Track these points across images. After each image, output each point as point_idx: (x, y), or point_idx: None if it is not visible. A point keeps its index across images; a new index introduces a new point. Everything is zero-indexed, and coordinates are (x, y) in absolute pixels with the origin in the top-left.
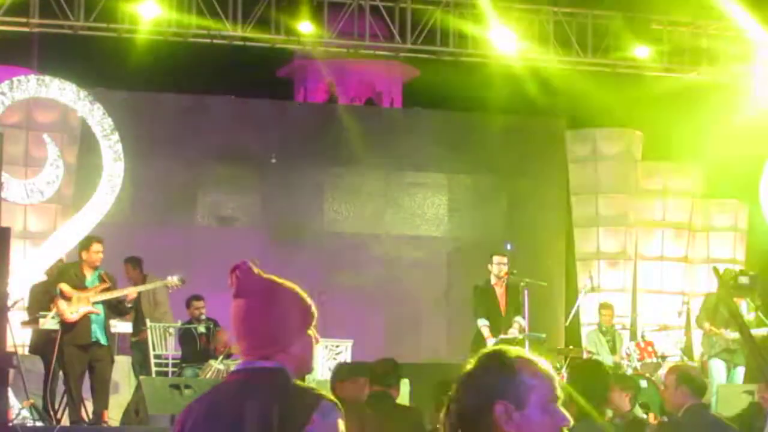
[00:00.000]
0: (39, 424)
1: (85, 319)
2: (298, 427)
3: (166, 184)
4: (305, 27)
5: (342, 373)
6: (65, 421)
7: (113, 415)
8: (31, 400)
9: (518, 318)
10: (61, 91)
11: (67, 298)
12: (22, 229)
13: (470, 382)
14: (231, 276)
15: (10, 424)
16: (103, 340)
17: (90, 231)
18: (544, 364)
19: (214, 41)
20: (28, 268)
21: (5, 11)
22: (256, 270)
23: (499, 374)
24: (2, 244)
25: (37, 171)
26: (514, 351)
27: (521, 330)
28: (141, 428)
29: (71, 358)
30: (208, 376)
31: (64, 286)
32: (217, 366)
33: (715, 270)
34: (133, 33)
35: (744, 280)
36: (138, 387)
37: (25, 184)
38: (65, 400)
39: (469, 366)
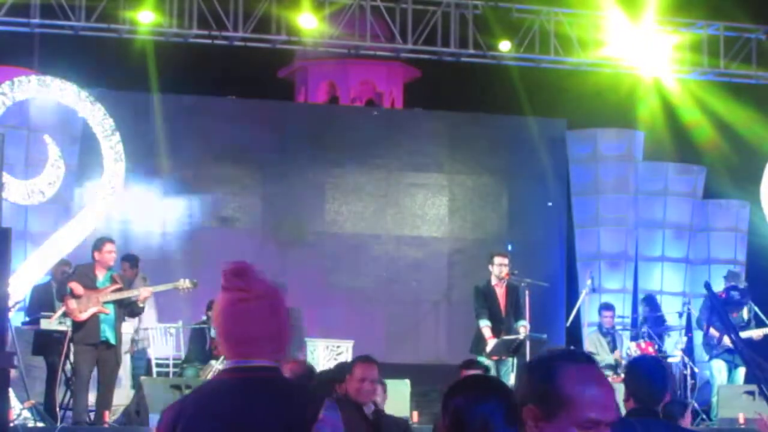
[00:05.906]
0: (40, 424)
1: (95, 318)
2: (308, 424)
3: (166, 185)
4: (306, 27)
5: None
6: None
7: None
8: (32, 401)
9: (522, 322)
10: (62, 92)
11: (78, 298)
12: (23, 229)
13: (521, 375)
14: (242, 278)
15: (12, 424)
16: (112, 340)
17: (91, 231)
18: (594, 377)
19: (215, 42)
20: (28, 269)
21: (6, 11)
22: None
23: (537, 376)
24: (3, 245)
25: (38, 172)
26: (564, 352)
27: (525, 332)
28: (141, 429)
29: (80, 356)
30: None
31: (75, 285)
32: (217, 366)
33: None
34: (134, 34)
35: (736, 295)
36: (139, 387)
37: (25, 185)
38: (66, 400)
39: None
